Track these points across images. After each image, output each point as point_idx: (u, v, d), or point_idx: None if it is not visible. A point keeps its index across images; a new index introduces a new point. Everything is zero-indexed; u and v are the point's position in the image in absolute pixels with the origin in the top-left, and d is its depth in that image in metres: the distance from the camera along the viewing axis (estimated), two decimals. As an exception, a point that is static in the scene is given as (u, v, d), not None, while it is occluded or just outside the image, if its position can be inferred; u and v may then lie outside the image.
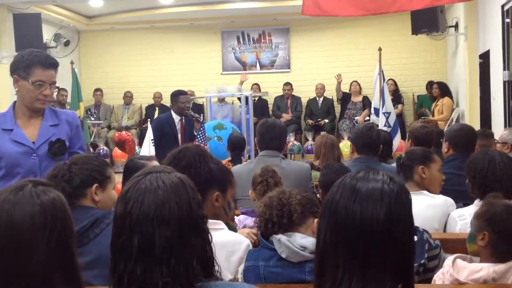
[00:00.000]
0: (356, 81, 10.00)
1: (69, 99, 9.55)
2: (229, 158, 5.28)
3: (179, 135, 6.17)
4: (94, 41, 11.23)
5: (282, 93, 10.48)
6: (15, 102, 2.89)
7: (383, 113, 6.80)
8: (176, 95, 6.31)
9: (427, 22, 8.37)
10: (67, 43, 9.71)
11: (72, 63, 8.31)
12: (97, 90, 10.75)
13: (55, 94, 9.50)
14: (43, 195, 1.42)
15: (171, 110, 6.34)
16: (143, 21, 10.66)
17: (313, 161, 4.99)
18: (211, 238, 1.42)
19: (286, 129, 3.93)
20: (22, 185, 1.43)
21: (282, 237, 2.10)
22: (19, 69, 2.79)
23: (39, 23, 8.41)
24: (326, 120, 10.01)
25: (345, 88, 10.07)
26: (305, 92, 10.59)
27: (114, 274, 1.36)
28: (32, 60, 2.79)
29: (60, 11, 9.63)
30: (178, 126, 6.19)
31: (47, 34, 9.36)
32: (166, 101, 10.84)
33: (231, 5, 9.99)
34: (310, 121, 10.06)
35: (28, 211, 1.38)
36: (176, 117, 6.20)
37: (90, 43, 11.19)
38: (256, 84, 10.52)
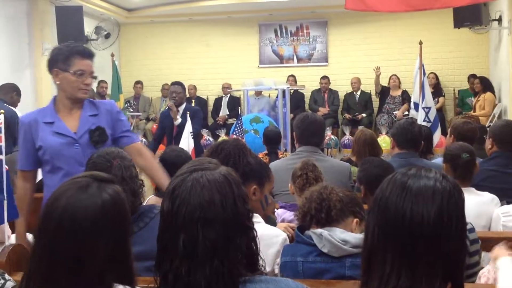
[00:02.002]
0: (395, 75, 9.85)
1: (109, 91, 9.73)
2: (266, 152, 5.28)
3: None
4: (133, 34, 11.37)
5: (319, 87, 10.41)
6: (55, 97, 2.94)
7: (423, 108, 6.67)
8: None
9: (469, 15, 8.19)
10: (107, 36, 9.85)
11: (112, 55, 8.43)
12: (137, 82, 10.90)
13: (95, 85, 9.68)
14: (106, 193, 1.41)
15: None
16: (181, 14, 10.73)
17: (350, 156, 4.95)
18: (256, 234, 1.41)
19: (325, 124, 3.92)
20: (87, 183, 1.42)
21: (323, 231, 2.09)
22: (58, 62, 2.83)
23: (80, 15, 8.56)
24: (364, 114, 9.90)
25: (384, 82, 9.94)
26: (342, 86, 10.50)
27: (159, 270, 1.36)
28: (70, 51, 2.83)
29: (100, 4, 9.77)
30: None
31: (88, 27, 9.52)
32: (202, 93, 10.95)
33: (269, -2, 9.98)
34: (347, 115, 9.97)
35: (92, 210, 1.37)
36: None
37: (130, 36, 11.33)
38: (292, 75, 10.46)
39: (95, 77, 2.99)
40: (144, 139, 9.39)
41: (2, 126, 2.64)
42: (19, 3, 8.25)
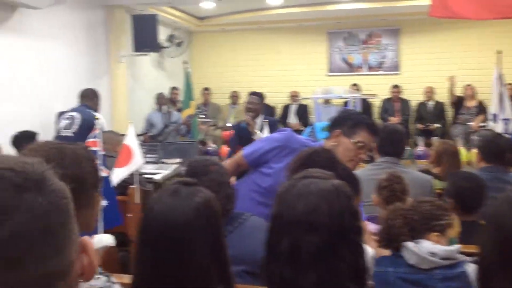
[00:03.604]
0: (470, 85, 9.54)
1: (180, 97, 9.94)
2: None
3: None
4: (204, 42, 11.57)
5: (390, 96, 10.23)
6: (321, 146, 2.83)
7: (502, 120, 6.43)
8: None
9: (553, 22, 7.82)
10: (179, 44, 10.06)
11: (185, 63, 8.60)
12: (206, 89, 11.07)
13: (167, 92, 9.91)
14: (197, 196, 1.47)
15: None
16: (251, 22, 10.83)
17: (429, 168, 4.81)
18: (364, 251, 1.40)
19: (406, 135, 3.83)
20: (176, 188, 1.48)
21: (409, 244, 2.09)
22: (344, 126, 2.76)
23: (155, 24, 8.76)
24: (437, 125, 9.64)
25: (458, 91, 9.64)
26: (414, 95, 10.25)
27: (265, 271, 1.39)
28: (361, 121, 2.78)
29: (174, 13, 10.00)
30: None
31: (161, 35, 9.75)
32: (270, 101, 10.96)
33: (339, 6, 9.88)
34: (419, 126, 9.73)
35: (187, 213, 1.43)
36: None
37: (200, 44, 11.54)
38: (355, 84, 10.30)
39: (371, 156, 2.85)
40: (214, 145, 9.52)
41: (99, 131, 2.70)
42: (97, 12, 8.55)
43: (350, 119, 2.79)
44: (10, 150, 4.92)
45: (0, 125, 6.13)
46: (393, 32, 10.72)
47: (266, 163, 2.82)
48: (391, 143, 3.59)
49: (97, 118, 2.74)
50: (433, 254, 2.03)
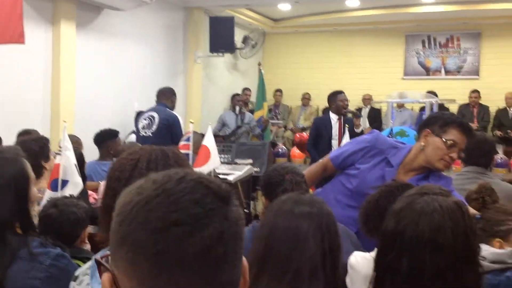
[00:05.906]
0: (555, 92, 9.07)
1: (252, 98, 10.00)
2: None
3: (336, 135, 6.27)
4: (276, 43, 11.58)
5: (467, 101, 9.87)
6: (410, 149, 2.74)
7: None
8: (334, 94, 6.52)
9: None
10: (254, 45, 10.12)
11: (259, 64, 8.64)
12: (277, 90, 11.07)
13: (239, 93, 10.00)
14: (315, 207, 1.58)
15: (329, 111, 6.52)
16: (326, 24, 10.73)
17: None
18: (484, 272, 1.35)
19: (495, 145, 3.67)
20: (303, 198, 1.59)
21: None
22: (434, 125, 2.67)
23: (232, 26, 8.83)
24: (517, 132, 9.22)
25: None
26: (494, 101, 9.83)
27: None
28: (453, 121, 2.65)
29: (250, 14, 10.07)
30: (336, 126, 6.30)
31: (236, 36, 9.83)
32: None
33: (418, 9, 9.64)
34: (498, 133, 9.34)
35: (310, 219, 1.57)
36: (334, 117, 6.35)
37: (273, 45, 11.55)
38: (432, 92, 9.96)
39: (461, 157, 2.79)
40: (284, 147, 9.50)
41: (191, 135, 2.74)
42: (177, 13, 8.75)
43: (441, 118, 2.67)
44: (91, 147, 5.10)
45: (83, 122, 6.38)
46: (474, 36, 10.34)
47: (353, 164, 2.77)
48: (481, 154, 3.46)
49: (192, 122, 2.76)
50: (483, 258, 1.93)
